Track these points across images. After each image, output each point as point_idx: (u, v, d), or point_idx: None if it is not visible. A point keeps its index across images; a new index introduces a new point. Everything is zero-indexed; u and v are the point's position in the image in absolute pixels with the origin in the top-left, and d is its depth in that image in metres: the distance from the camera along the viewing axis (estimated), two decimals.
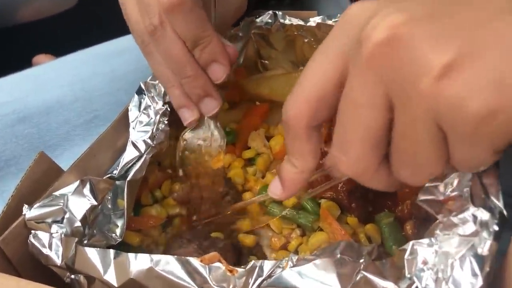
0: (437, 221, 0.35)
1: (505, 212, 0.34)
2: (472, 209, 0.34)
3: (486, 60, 0.25)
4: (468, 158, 0.28)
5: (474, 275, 0.31)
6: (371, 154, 0.30)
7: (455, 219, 0.34)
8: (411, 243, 0.33)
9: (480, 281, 0.31)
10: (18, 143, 0.59)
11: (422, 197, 0.36)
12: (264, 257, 0.45)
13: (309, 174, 0.35)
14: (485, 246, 0.32)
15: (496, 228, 0.33)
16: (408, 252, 0.33)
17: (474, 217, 0.34)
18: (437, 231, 0.34)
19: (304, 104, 0.31)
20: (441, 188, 0.37)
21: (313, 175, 0.37)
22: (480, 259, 0.32)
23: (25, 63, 0.93)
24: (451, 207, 0.35)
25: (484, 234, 0.33)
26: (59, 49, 0.78)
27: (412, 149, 0.28)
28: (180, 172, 0.49)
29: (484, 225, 0.33)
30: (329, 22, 0.53)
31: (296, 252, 0.44)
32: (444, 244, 0.33)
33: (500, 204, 0.35)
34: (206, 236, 0.44)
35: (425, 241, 0.33)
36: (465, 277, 0.31)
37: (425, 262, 0.32)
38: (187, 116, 0.47)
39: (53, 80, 0.67)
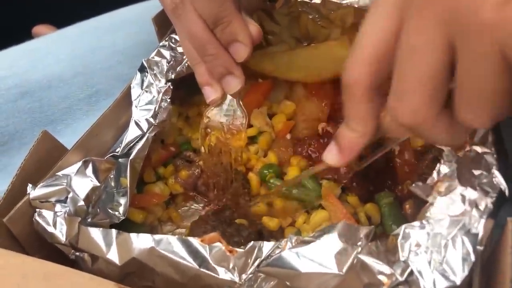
0: (428, 203, 0.35)
1: (506, 192, 0.35)
2: (459, 189, 0.35)
3: None
4: None
5: (467, 253, 0.32)
6: (431, 100, 0.28)
7: (444, 200, 0.35)
8: (403, 227, 0.34)
9: (472, 258, 0.32)
10: (21, 118, 0.60)
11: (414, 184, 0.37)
12: None
13: (369, 138, 0.33)
14: (479, 225, 0.33)
15: (491, 206, 0.34)
16: (400, 236, 0.34)
17: (463, 197, 0.35)
18: (428, 214, 0.34)
19: (365, 66, 0.30)
20: (433, 173, 0.37)
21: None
22: (472, 237, 0.32)
23: (25, 33, 0.93)
24: (440, 188, 0.36)
25: (474, 212, 0.33)
26: (60, 19, 0.78)
27: (478, 87, 0.27)
28: (202, 149, 0.49)
29: (472, 203, 0.34)
30: None
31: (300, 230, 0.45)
32: (435, 226, 0.33)
33: (502, 181, 0.35)
34: (230, 223, 0.45)
35: (417, 224, 0.34)
36: (458, 255, 0.32)
37: (418, 245, 0.33)
38: (210, 94, 0.46)
39: (52, 54, 0.67)
